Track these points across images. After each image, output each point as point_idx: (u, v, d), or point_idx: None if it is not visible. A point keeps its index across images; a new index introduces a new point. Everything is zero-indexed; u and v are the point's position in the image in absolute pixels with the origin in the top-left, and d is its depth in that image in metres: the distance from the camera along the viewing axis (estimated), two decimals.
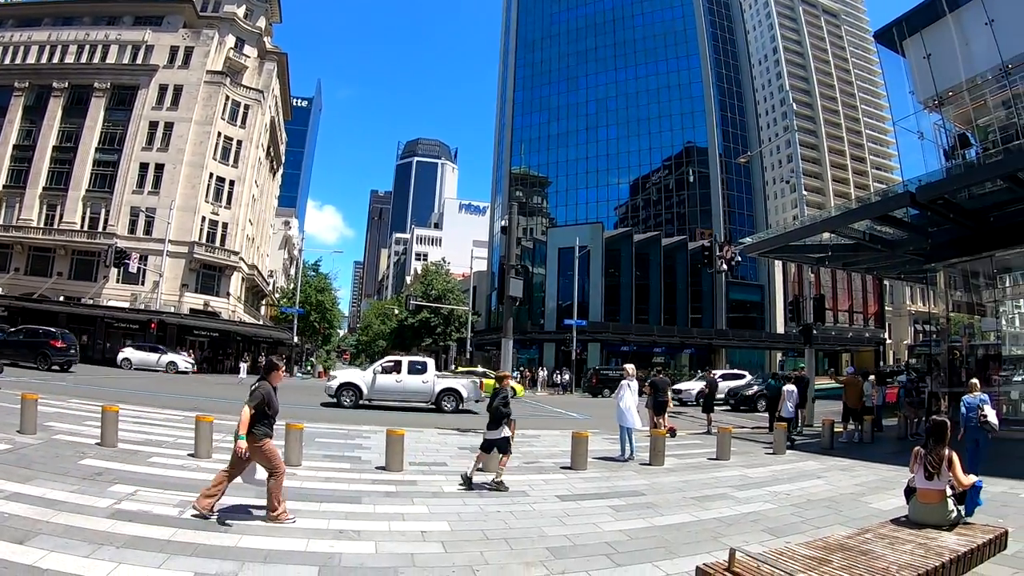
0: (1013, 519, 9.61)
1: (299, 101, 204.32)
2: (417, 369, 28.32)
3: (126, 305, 56.95)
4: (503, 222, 24.30)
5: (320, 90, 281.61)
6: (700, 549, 8.35)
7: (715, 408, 26.19)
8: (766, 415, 24.68)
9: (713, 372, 33.19)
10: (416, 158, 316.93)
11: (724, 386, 37.65)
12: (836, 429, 20.95)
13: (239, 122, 68.36)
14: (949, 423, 8.36)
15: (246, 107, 69.24)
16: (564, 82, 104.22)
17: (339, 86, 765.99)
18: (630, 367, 17.89)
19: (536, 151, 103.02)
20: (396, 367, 28.38)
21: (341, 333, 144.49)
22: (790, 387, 21.83)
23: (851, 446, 20.47)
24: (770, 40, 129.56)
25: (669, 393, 21.28)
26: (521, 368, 62.48)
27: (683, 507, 11.07)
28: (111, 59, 66.26)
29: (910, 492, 8.16)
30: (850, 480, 14.32)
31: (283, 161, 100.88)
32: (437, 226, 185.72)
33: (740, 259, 33.34)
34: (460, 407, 27.76)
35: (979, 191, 22.63)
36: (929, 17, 28.56)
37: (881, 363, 74.93)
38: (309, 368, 70.30)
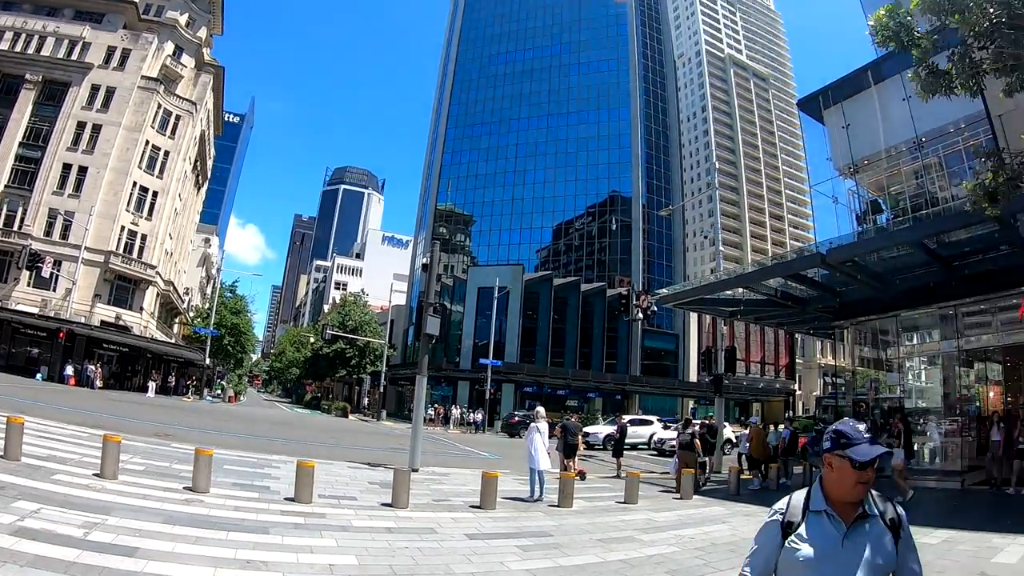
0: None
1: (231, 116, 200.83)
2: None
3: (35, 311, 54.73)
4: (425, 258, 24.46)
5: (253, 108, 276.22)
6: None
7: (624, 452, 26.55)
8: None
9: (623, 417, 33.87)
10: (343, 185, 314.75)
11: (633, 431, 38.46)
12: (743, 476, 21.56)
13: (169, 132, 66.23)
14: None
15: (177, 117, 67.16)
16: (496, 123, 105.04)
17: (273, 104, 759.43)
18: (540, 410, 18.37)
19: (463, 189, 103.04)
20: None
21: (254, 357, 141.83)
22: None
23: (757, 493, 21.01)
24: (700, 99, 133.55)
25: (580, 437, 21.77)
26: (435, 405, 62.51)
27: (589, 548, 11.24)
28: (46, 51, 63.15)
29: None
30: (754, 525, 14.44)
31: (209, 176, 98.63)
32: (359, 256, 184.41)
33: (656, 309, 34.05)
34: None
35: (887, 255, 23.95)
36: (851, 89, 29.95)
37: (789, 412, 77.19)
38: (220, 391, 68.86)
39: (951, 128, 26.07)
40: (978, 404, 26.77)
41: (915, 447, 23.05)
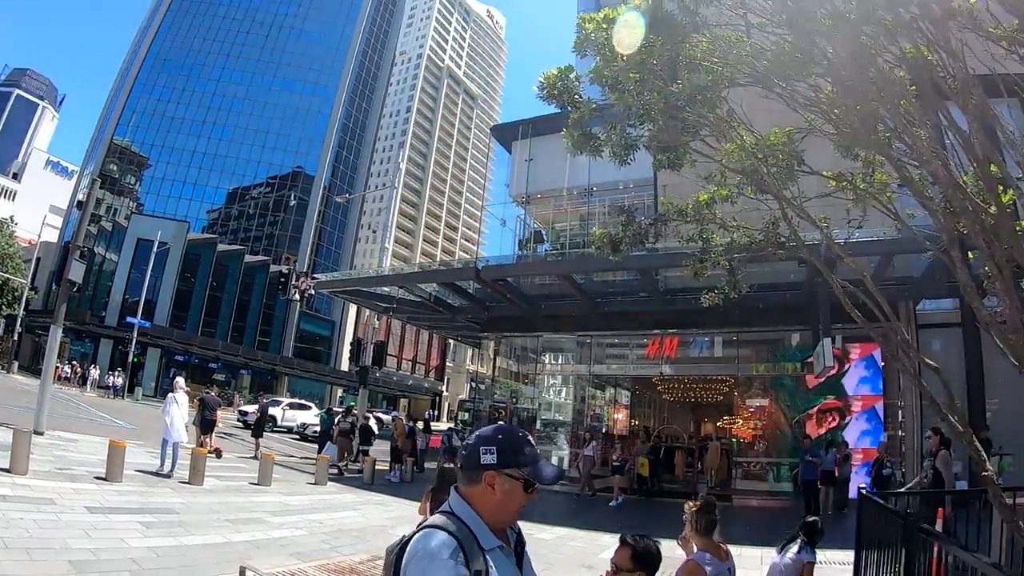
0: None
1: None
2: None
3: None
4: (82, 195, 22.94)
5: None
6: (224, 570, 8.57)
7: (263, 435, 26.33)
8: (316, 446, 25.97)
9: (266, 398, 33.58)
10: (18, 90, 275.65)
11: (290, 415, 38.58)
12: (378, 467, 22.21)
13: None
14: (453, 471, 9.59)
15: None
16: (200, 67, 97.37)
17: None
18: (180, 380, 18.11)
19: (145, 127, 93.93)
20: None
21: None
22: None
23: (392, 484, 21.64)
24: (408, 99, 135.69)
25: (218, 413, 21.39)
26: (73, 362, 57.62)
27: (215, 528, 11.20)
28: None
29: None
30: (383, 514, 15.31)
31: None
32: (16, 177, 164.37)
33: (314, 293, 34.33)
34: None
35: (539, 281, 26.64)
36: (544, 129, 32.17)
37: (435, 411, 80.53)
38: None
39: (621, 185, 29.18)
40: (607, 422, 31.34)
41: None
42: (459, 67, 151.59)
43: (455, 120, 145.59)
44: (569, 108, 7.88)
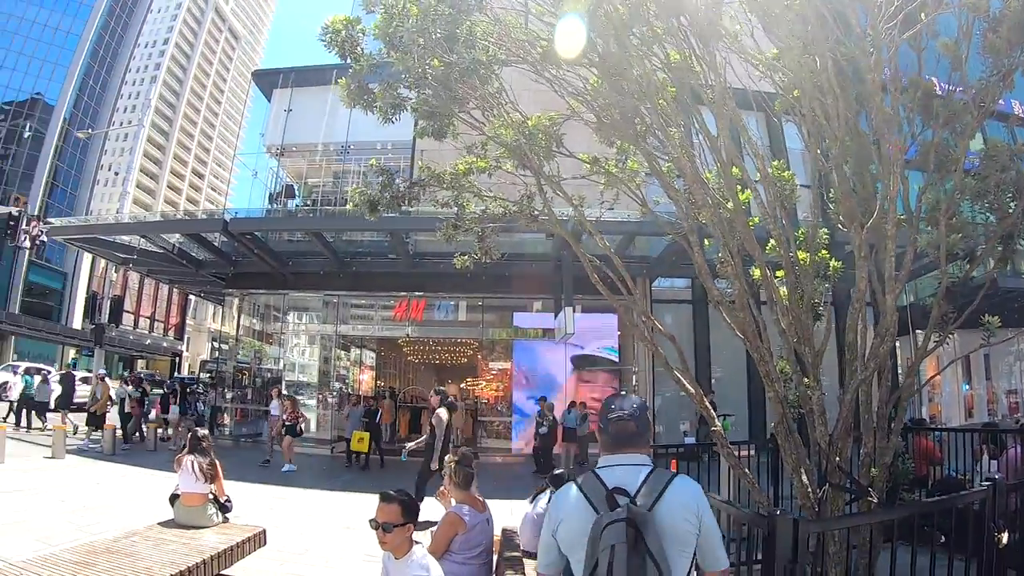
0: (275, 519, 10.65)
1: None
2: None
3: None
4: None
5: None
6: None
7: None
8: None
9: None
10: None
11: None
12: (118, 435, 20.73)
13: None
14: (207, 436, 9.17)
15: None
16: None
17: None
18: None
19: None
20: None
21: None
22: None
23: (134, 453, 20.19)
24: (167, 30, 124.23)
25: None
26: None
27: None
28: None
29: (176, 497, 8.41)
30: (128, 485, 14.32)
31: None
32: None
33: (46, 240, 31.77)
34: None
35: (289, 237, 26.20)
36: (310, 81, 31.34)
37: (176, 373, 76.26)
38: None
39: (379, 145, 29.03)
40: (352, 383, 31.48)
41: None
42: (227, 2, 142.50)
43: (214, 59, 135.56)
44: (349, 59, 7.78)
